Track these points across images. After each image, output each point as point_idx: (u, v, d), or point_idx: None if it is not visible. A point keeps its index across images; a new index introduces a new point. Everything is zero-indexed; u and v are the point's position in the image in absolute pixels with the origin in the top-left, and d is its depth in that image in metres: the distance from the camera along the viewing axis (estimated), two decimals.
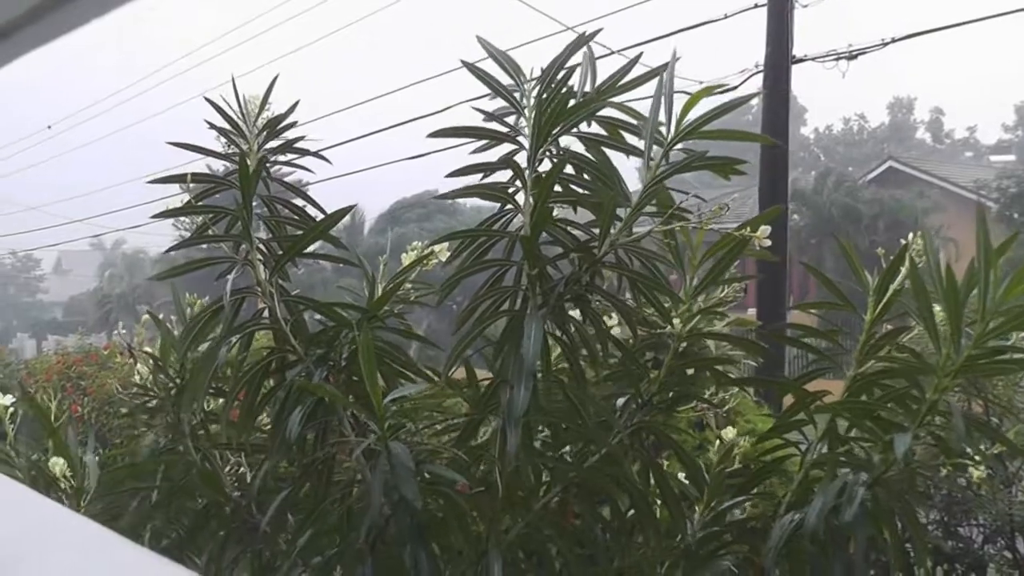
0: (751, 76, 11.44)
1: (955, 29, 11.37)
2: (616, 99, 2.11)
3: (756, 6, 11.19)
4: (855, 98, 59.77)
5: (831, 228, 22.98)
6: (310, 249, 2.30)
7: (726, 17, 11.71)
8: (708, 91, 2.08)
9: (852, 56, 11.47)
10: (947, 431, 2.14)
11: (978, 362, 2.08)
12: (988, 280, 1.99)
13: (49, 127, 30.12)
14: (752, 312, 8.80)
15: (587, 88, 2.12)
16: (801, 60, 11.10)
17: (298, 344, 2.21)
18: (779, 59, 10.51)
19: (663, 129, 2.07)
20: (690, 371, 2.25)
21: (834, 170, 29.69)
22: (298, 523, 2.30)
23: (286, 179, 2.43)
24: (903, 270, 2.25)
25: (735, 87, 11.24)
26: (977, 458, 2.18)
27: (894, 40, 11.38)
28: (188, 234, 2.37)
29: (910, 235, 2.27)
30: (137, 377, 2.45)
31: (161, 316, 2.59)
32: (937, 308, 2.09)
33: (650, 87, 2.11)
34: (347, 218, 33.44)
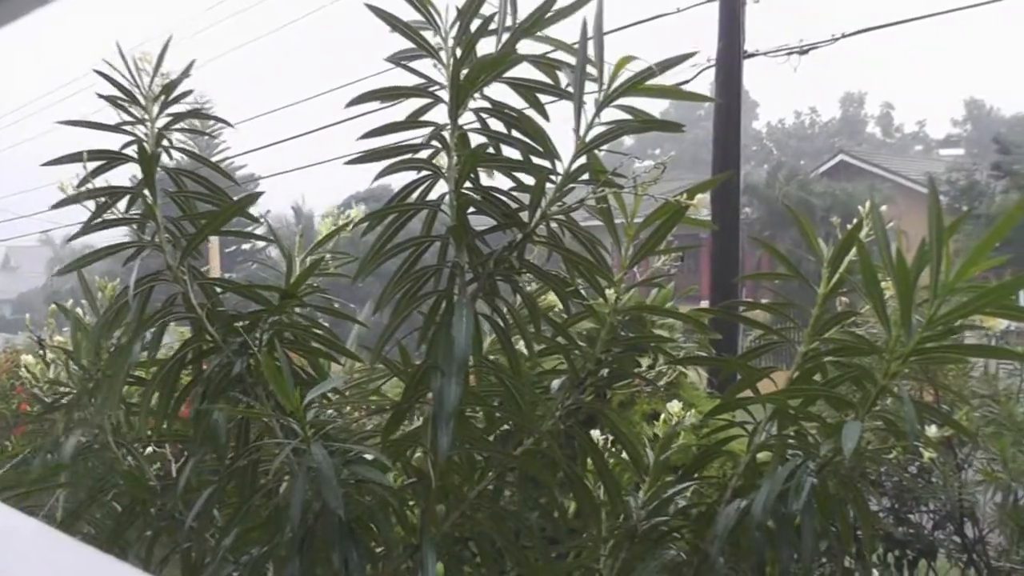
0: (703, 70, 11.43)
1: (905, 25, 11.48)
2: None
3: (708, 1, 11.19)
4: (807, 92, 60.31)
5: (783, 221, 23.11)
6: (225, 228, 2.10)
7: (679, 11, 11.71)
8: (631, 59, 1.82)
9: (803, 51, 11.51)
10: (898, 416, 2.04)
11: (929, 346, 1.94)
12: (940, 257, 1.85)
13: None
14: (705, 304, 8.81)
15: (508, 23, 1.88)
16: (753, 55, 11.11)
17: (215, 331, 2.06)
18: (731, 54, 10.51)
19: (594, 85, 1.84)
20: (630, 347, 2.12)
21: (786, 164, 29.97)
22: (225, 520, 2.18)
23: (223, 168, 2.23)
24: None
25: (687, 81, 11.23)
26: (928, 435, 2.09)
27: (844, 36, 11.44)
28: None
29: (859, 207, 2.18)
30: (51, 372, 2.31)
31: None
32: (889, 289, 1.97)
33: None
34: (293, 211, 33.07)
